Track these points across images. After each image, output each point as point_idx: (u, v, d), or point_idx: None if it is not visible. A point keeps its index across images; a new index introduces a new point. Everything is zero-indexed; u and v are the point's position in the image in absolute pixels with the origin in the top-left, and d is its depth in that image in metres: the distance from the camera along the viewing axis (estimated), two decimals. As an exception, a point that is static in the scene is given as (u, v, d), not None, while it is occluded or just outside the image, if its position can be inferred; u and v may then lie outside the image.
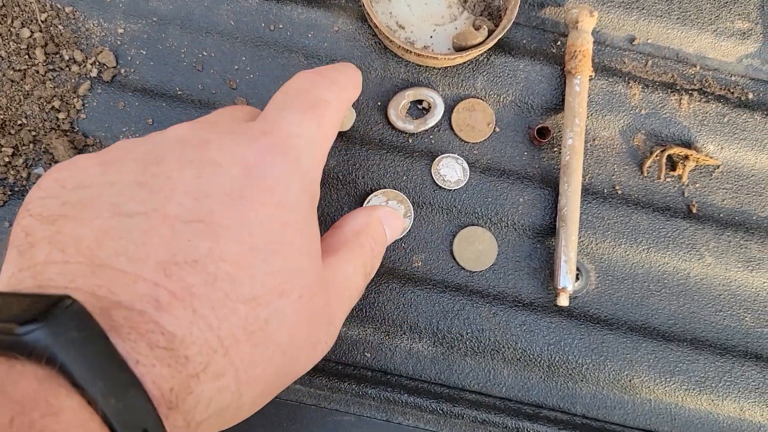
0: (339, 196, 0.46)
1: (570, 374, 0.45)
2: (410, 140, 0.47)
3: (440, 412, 0.43)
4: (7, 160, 0.44)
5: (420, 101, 0.48)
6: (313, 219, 0.33)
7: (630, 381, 0.45)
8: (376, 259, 0.39)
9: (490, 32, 0.47)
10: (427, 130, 0.47)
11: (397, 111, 0.47)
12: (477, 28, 0.46)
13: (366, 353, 0.45)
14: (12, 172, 0.44)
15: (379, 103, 0.48)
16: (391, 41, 0.46)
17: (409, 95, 0.47)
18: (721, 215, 0.48)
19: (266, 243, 0.28)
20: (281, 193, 0.30)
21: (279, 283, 0.29)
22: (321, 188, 0.43)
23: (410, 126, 0.47)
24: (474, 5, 0.48)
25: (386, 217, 0.40)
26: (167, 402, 0.24)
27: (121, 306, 0.24)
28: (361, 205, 0.46)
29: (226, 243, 0.27)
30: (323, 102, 0.35)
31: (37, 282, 0.25)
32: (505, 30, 0.45)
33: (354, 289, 0.37)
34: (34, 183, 0.43)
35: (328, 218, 0.46)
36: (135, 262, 0.25)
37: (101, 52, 0.46)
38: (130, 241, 0.26)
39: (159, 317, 0.25)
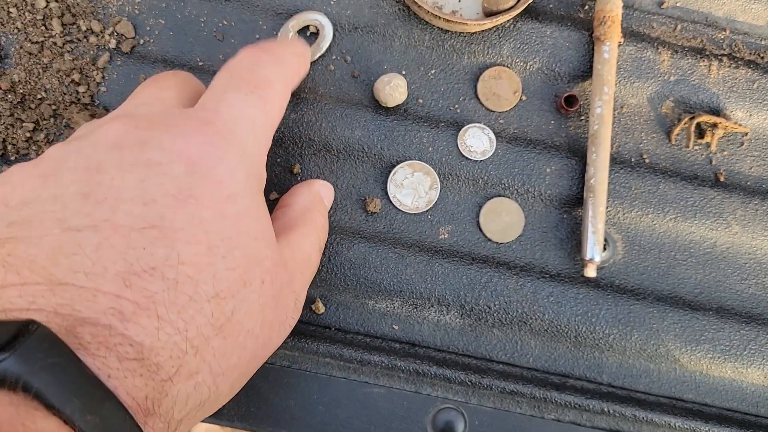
0: (365, 169, 0.46)
1: (597, 344, 0.46)
2: (431, 110, 0.46)
3: (468, 383, 0.44)
4: (28, 135, 0.43)
5: (306, 28, 0.46)
6: (262, 202, 0.33)
7: (656, 350, 0.46)
8: (325, 232, 0.41)
9: (519, -4, 0.45)
10: (324, 55, 0.46)
11: None
12: (506, -8, 0.45)
13: (394, 326, 0.45)
14: (34, 147, 0.44)
15: (404, 72, 0.47)
16: (419, 6, 0.44)
17: (293, 26, 0.46)
18: (749, 183, 0.48)
19: (222, 238, 0.28)
20: (229, 185, 0.30)
21: (241, 274, 0.29)
22: (347, 161, 0.44)
23: None
24: (501, -31, 0.47)
25: (323, 190, 0.42)
26: (144, 410, 0.25)
27: (86, 322, 0.24)
28: (387, 178, 0.45)
29: (183, 246, 0.27)
30: (267, 82, 0.34)
31: None
32: (535, -5, 0.44)
33: (313, 263, 0.38)
34: (56, 159, 0.43)
35: (353, 191, 0.45)
36: (93, 276, 0.25)
37: (119, 22, 0.45)
38: (84, 256, 0.26)
39: (125, 329, 0.25)
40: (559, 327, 0.45)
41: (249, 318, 0.29)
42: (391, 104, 0.45)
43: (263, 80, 0.34)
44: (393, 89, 0.44)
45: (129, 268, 0.26)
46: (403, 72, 0.47)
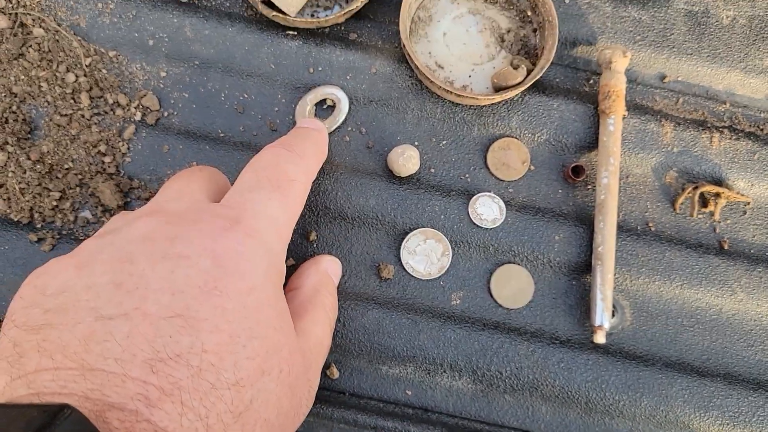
0: (378, 236, 0.47)
1: (607, 410, 0.46)
2: (443, 180, 0.48)
3: (481, 449, 0.44)
4: (54, 203, 0.45)
5: (323, 101, 0.49)
6: (281, 293, 0.35)
7: (665, 416, 0.46)
8: (335, 311, 0.42)
9: (528, 71, 0.47)
10: (340, 127, 0.48)
11: (305, 118, 0.48)
12: (515, 67, 0.47)
13: (407, 391, 0.46)
14: (59, 215, 0.45)
15: (416, 143, 0.48)
16: (431, 81, 0.46)
17: (311, 99, 0.48)
18: (753, 251, 0.49)
19: (244, 328, 0.30)
20: (251, 277, 0.32)
21: (260, 363, 0.30)
22: (361, 228, 0.45)
23: None
24: (511, 44, 0.49)
25: (331, 267, 0.43)
26: None
27: (115, 407, 0.25)
28: (400, 245, 0.47)
29: (206, 335, 0.28)
30: (289, 182, 0.37)
31: (31, 390, 0.26)
32: (544, 70, 0.46)
33: (325, 347, 0.39)
34: (81, 226, 0.44)
35: (367, 257, 0.47)
36: (123, 362, 0.27)
37: (145, 95, 0.47)
38: (115, 343, 0.27)
39: (151, 414, 0.26)
40: (569, 393, 0.46)
41: (266, 407, 0.30)
42: (404, 174, 0.47)
43: (285, 178, 0.37)
44: (406, 160, 0.46)
45: (156, 355, 0.27)
46: (416, 143, 0.48)
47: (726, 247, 0.49)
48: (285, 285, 0.40)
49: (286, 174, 0.37)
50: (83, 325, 0.28)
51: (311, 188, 0.46)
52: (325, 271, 0.43)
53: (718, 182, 0.50)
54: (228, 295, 0.30)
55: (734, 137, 0.50)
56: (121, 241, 0.32)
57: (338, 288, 0.45)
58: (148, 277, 0.29)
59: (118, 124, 0.47)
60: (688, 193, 0.49)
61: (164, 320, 0.28)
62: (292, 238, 0.45)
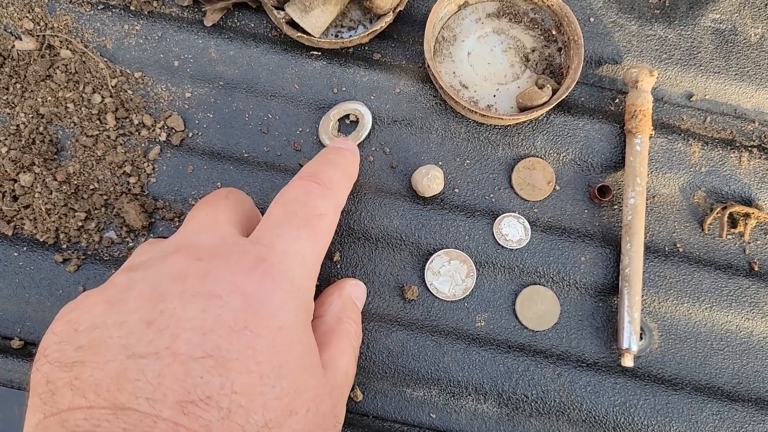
0: (402, 257, 0.47)
1: (635, 435, 0.45)
2: (467, 200, 0.48)
3: (507, 474, 0.44)
4: (80, 224, 0.45)
5: (347, 116, 0.48)
6: (309, 330, 0.34)
7: (696, 442, 0.45)
8: (359, 338, 0.41)
9: (553, 90, 0.47)
10: (364, 146, 0.48)
11: (329, 134, 0.47)
12: (540, 87, 0.46)
13: (431, 414, 0.45)
14: (84, 236, 0.45)
15: (440, 163, 0.48)
16: (456, 101, 0.46)
17: (334, 114, 0.48)
18: (784, 273, 0.48)
19: (272, 368, 0.30)
20: (281, 317, 0.32)
21: (288, 403, 0.30)
22: (385, 249, 0.45)
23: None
24: (536, 64, 0.49)
25: (354, 291, 0.43)
26: None
27: None
28: (424, 265, 0.46)
29: (236, 375, 0.28)
30: (318, 216, 0.36)
31: (65, 429, 0.27)
32: (569, 90, 0.46)
33: (350, 378, 0.39)
34: (106, 247, 0.45)
35: (391, 278, 0.46)
36: (154, 402, 0.27)
37: (170, 116, 0.47)
38: (146, 382, 0.27)
39: None
40: (597, 417, 0.45)
41: None
42: (428, 194, 0.47)
43: (314, 214, 0.37)
44: (431, 180, 0.46)
45: (187, 396, 0.27)
46: (440, 163, 0.48)
47: (756, 269, 0.48)
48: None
49: (314, 209, 0.37)
50: (115, 363, 0.28)
51: (335, 209, 0.46)
52: (349, 297, 0.42)
53: (748, 202, 0.49)
54: (258, 334, 0.30)
55: (764, 156, 0.49)
56: (153, 278, 0.32)
57: (362, 309, 0.45)
58: (179, 315, 0.29)
59: (143, 145, 0.47)
60: (717, 213, 0.48)
61: (195, 360, 0.28)
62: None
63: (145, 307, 0.30)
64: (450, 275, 0.47)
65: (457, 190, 0.48)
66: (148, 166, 0.47)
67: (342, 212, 0.46)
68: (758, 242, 0.48)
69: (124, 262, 0.36)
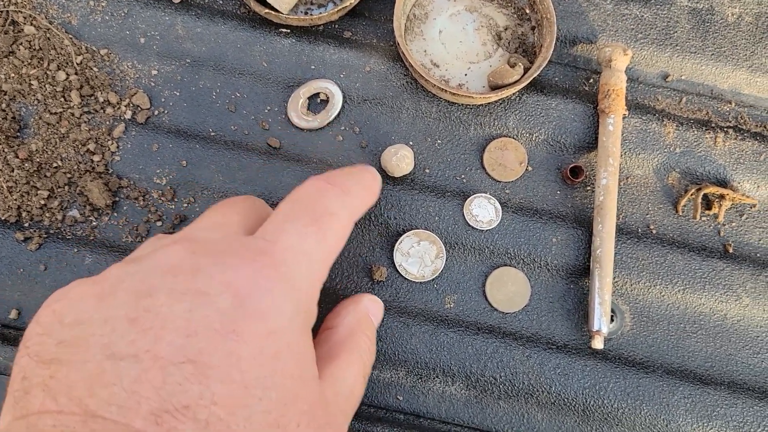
0: (371, 237, 0.46)
1: (605, 419, 0.45)
2: (438, 180, 0.47)
3: (474, 456, 0.43)
4: (42, 202, 0.45)
5: (317, 95, 0.47)
6: (307, 340, 0.32)
7: (666, 426, 0.45)
8: (372, 357, 0.38)
9: (525, 69, 0.46)
10: (333, 125, 0.47)
11: (298, 111, 0.47)
12: (512, 66, 0.46)
13: (398, 396, 0.44)
14: (47, 214, 0.45)
15: (411, 143, 0.47)
16: (426, 80, 0.45)
17: (304, 93, 0.47)
18: (759, 255, 0.47)
19: (258, 378, 0.27)
20: (273, 320, 0.29)
21: (275, 417, 0.28)
22: (353, 229, 0.43)
23: (315, 123, 0.47)
24: (508, 42, 0.48)
25: (371, 307, 0.40)
26: None
27: None
28: (393, 246, 0.45)
29: (217, 384, 0.26)
30: (329, 215, 0.34)
31: None
32: (541, 68, 0.45)
33: (356, 396, 0.36)
34: (69, 225, 0.44)
35: (359, 259, 0.46)
36: (126, 411, 0.25)
37: (135, 93, 0.47)
38: (121, 387, 0.25)
39: None
40: (566, 400, 0.45)
41: None
42: (398, 174, 0.46)
43: (325, 212, 0.34)
44: (400, 160, 0.45)
45: (162, 405, 0.25)
46: (411, 143, 0.47)
47: (730, 251, 0.47)
48: (320, 324, 0.38)
49: (326, 207, 0.34)
50: (92, 364, 0.26)
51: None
52: (365, 311, 0.40)
53: (723, 183, 0.48)
54: (245, 339, 0.27)
55: (739, 137, 0.49)
56: (144, 271, 0.29)
57: (329, 290, 0.44)
58: (165, 315, 0.27)
59: (108, 123, 0.46)
60: (691, 194, 0.47)
61: (175, 366, 0.26)
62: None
63: (131, 303, 0.28)
64: (419, 256, 0.46)
65: (427, 171, 0.47)
66: (113, 144, 0.46)
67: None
68: (733, 224, 0.48)
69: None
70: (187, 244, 0.31)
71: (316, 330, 0.36)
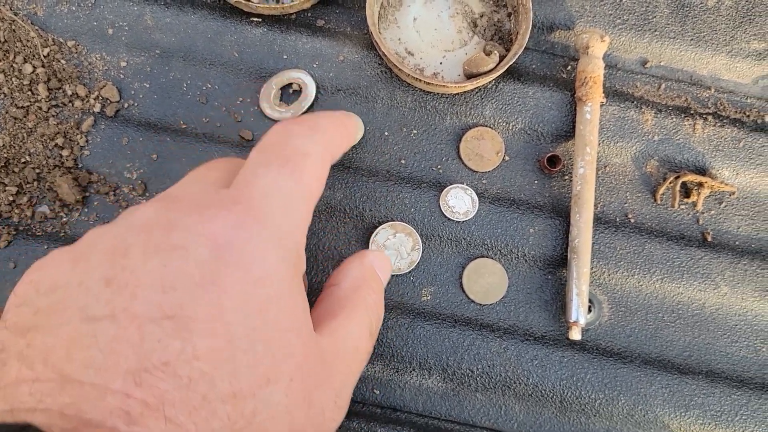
0: (346, 230, 0.45)
1: (583, 409, 0.45)
2: (414, 171, 0.46)
3: (451, 449, 0.43)
4: (11, 198, 0.44)
5: (289, 85, 0.47)
6: (297, 286, 0.30)
7: (644, 416, 0.44)
8: (379, 313, 0.37)
9: (501, 57, 0.46)
10: (305, 113, 0.46)
11: (270, 102, 0.46)
12: (488, 54, 0.45)
13: (375, 390, 0.44)
14: (16, 210, 0.44)
15: (386, 133, 0.47)
16: (400, 69, 0.45)
17: (276, 83, 0.46)
18: (737, 243, 0.47)
19: (245, 330, 0.26)
20: (258, 269, 0.28)
21: (264, 371, 0.26)
22: (329, 221, 0.43)
23: (288, 114, 0.46)
24: (484, 30, 0.47)
25: (377, 262, 0.38)
26: None
27: (91, 424, 0.23)
28: (369, 239, 0.45)
29: (199, 339, 0.25)
30: (302, 154, 0.32)
31: (8, 404, 0.24)
32: (517, 56, 0.44)
33: (361, 352, 0.34)
34: (39, 222, 0.43)
35: (335, 252, 0.45)
36: (104, 372, 0.24)
37: (104, 86, 0.46)
38: (97, 350, 0.24)
39: None
40: (543, 391, 0.45)
41: (274, 421, 0.26)
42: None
43: (296, 152, 0.32)
44: None
45: (141, 364, 0.24)
46: (386, 133, 0.47)
47: (709, 239, 0.47)
48: (324, 281, 0.36)
49: (296, 147, 0.32)
50: (69, 328, 0.25)
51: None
52: (371, 266, 0.38)
53: (702, 171, 0.48)
54: (228, 290, 0.26)
55: (719, 124, 0.48)
56: (120, 230, 0.28)
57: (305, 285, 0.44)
58: (140, 272, 0.26)
59: (76, 116, 0.45)
60: (670, 182, 0.47)
61: (153, 322, 0.25)
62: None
63: (106, 263, 0.27)
64: (395, 248, 0.45)
65: (403, 161, 0.47)
66: (82, 138, 0.45)
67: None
68: (712, 212, 0.47)
69: None
70: (161, 203, 0.30)
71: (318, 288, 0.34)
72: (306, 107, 0.46)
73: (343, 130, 0.37)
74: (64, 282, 0.27)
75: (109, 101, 0.46)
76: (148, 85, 0.46)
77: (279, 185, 0.31)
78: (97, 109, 0.45)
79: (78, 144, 0.45)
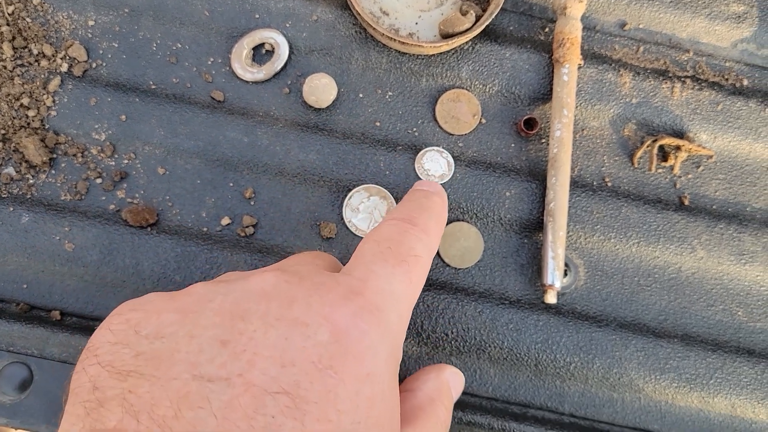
0: (320, 193, 0.45)
1: (558, 373, 0.44)
2: (389, 134, 0.46)
3: (425, 413, 0.42)
4: (-25, 160, 0.43)
5: (261, 45, 0.46)
6: (396, 388, 0.30)
7: (619, 379, 0.44)
8: (447, 429, 0.36)
9: (478, 18, 0.45)
10: (279, 76, 0.45)
11: (242, 62, 0.45)
12: (464, 13, 0.44)
13: (349, 354, 0.44)
14: (-19, 172, 0.43)
15: (361, 95, 0.46)
16: (374, 29, 0.44)
17: (248, 43, 0.45)
18: (714, 207, 0.47)
19: (351, 423, 0.25)
20: (370, 363, 0.27)
21: None
22: (302, 185, 0.43)
23: (260, 74, 0.45)
24: (459, -9, 0.47)
25: (453, 379, 0.38)
26: None
27: None
28: (343, 202, 0.44)
29: (312, 422, 0.24)
30: (413, 257, 0.32)
31: None
32: (493, 15, 0.44)
33: None
34: (5, 183, 0.42)
35: (308, 215, 0.44)
36: None
37: (71, 45, 0.45)
38: (209, 412, 0.23)
39: None
40: (518, 355, 0.44)
41: None
42: (325, 105, 0.45)
43: (410, 254, 0.32)
44: (319, 93, 0.44)
45: None
46: (361, 95, 0.46)
47: (686, 203, 0.47)
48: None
49: (410, 249, 0.32)
50: (178, 383, 0.24)
51: (248, 143, 0.44)
52: (447, 382, 0.37)
53: (679, 135, 0.47)
54: (343, 378, 0.25)
55: (697, 87, 0.48)
56: (236, 293, 0.28)
57: (276, 248, 0.43)
58: (259, 340, 0.25)
59: (42, 76, 0.44)
60: (647, 146, 0.46)
61: (269, 395, 0.24)
62: (227, 194, 0.43)
63: (223, 324, 0.26)
64: (369, 212, 0.45)
65: (378, 124, 0.46)
66: (48, 98, 0.44)
67: (255, 146, 0.44)
68: (689, 176, 0.47)
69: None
70: (279, 273, 0.29)
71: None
72: (278, 68, 0.45)
73: (443, 225, 0.37)
74: (170, 332, 0.26)
75: (76, 61, 0.45)
76: (116, 45, 0.45)
77: (392, 285, 0.30)
78: (64, 68, 0.44)
79: (44, 104, 0.44)
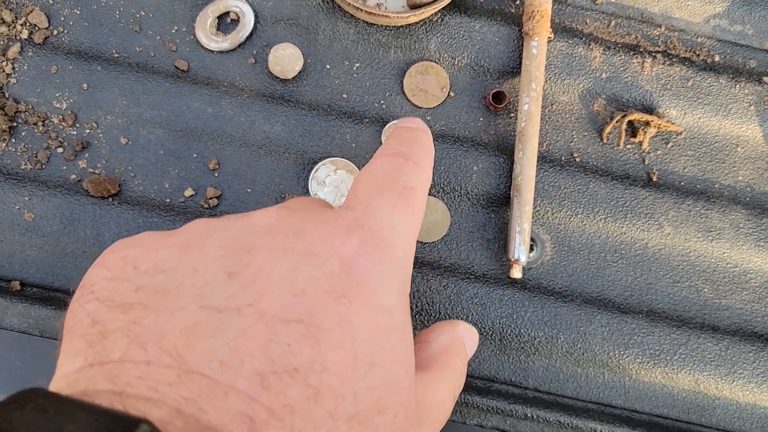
0: (286, 165, 0.44)
1: (522, 347, 0.44)
2: (356, 106, 0.45)
3: (387, 386, 0.42)
4: (-68, 127, 0.42)
5: (226, 14, 0.45)
6: (410, 325, 0.29)
7: (583, 354, 0.44)
8: (462, 379, 0.36)
9: (446, -12, 0.44)
10: (245, 46, 0.45)
11: (206, 32, 0.44)
12: (432, -16, 0.44)
13: (312, 327, 0.43)
14: (-61, 140, 0.42)
15: (328, 66, 0.45)
16: (341, -1, 0.43)
17: (213, 11, 0.44)
18: (682, 183, 0.47)
19: (368, 352, 0.24)
20: (382, 293, 0.26)
21: (377, 399, 0.24)
22: (267, 156, 0.42)
23: (225, 44, 0.44)
24: (428, -39, 0.46)
25: (467, 335, 0.37)
26: None
27: (210, 428, 0.20)
28: (309, 175, 0.44)
29: (329, 350, 0.23)
30: (410, 189, 0.31)
31: (112, 385, 0.21)
32: (460, -12, 0.43)
33: (445, 411, 0.33)
34: (-38, 152, 0.41)
35: (273, 188, 0.44)
36: (229, 369, 0.21)
37: (32, 11, 0.44)
38: (222, 341, 0.22)
39: None
40: (483, 329, 0.44)
41: None
42: (291, 76, 0.44)
43: (406, 188, 0.31)
44: (279, 60, 0.43)
45: (269, 366, 0.22)
46: (328, 66, 0.45)
47: (654, 179, 0.46)
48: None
49: (406, 182, 0.32)
50: (186, 313, 0.23)
51: (212, 114, 0.43)
52: (460, 336, 0.37)
53: (649, 110, 0.47)
54: (356, 306, 0.25)
55: (668, 62, 0.47)
56: (239, 228, 0.27)
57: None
58: (267, 271, 0.24)
59: (1, 43, 0.43)
60: (617, 121, 0.46)
61: (283, 324, 0.23)
62: (191, 165, 0.42)
63: (228, 257, 0.25)
64: (335, 185, 0.44)
65: (345, 96, 0.45)
66: (8, 65, 0.43)
67: (220, 117, 0.43)
68: (658, 152, 0.47)
69: None
70: (281, 208, 0.29)
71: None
72: (244, 37, 0.44)
73: (432, 161, 0.36)
74: (171, 266, 0.25)
75: (37, 27, 0.44)
76: (78, 12, 0.44)
77: (393, 219, 0.29)
78: (24, 35, 0.43)
79: (4, 71, 0.43)
